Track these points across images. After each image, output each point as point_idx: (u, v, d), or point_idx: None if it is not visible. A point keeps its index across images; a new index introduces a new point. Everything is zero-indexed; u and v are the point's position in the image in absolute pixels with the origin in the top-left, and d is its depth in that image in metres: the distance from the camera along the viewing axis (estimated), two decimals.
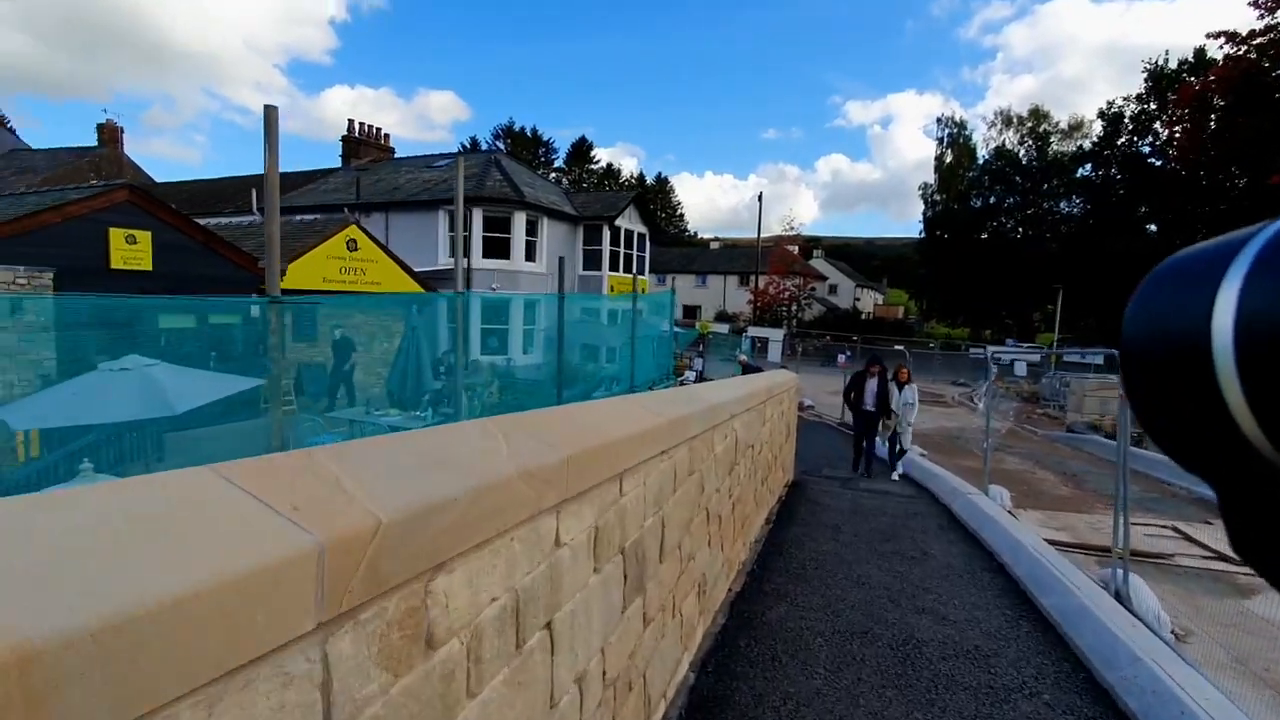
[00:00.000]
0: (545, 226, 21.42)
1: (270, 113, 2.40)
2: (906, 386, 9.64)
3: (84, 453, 7.59)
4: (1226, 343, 0.30)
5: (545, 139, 63.57)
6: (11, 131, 42.79)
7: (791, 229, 62.09)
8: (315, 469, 1.01)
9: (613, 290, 22.33)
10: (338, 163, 26.82)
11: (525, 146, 59.98)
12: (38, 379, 9.63)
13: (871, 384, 9.48)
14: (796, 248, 55.61)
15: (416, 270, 16.91)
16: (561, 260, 10.18)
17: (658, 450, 2.34)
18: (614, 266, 23.41)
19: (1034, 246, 49.69)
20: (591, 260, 23.16)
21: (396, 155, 27.26)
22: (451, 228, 20.14)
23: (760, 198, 40.21)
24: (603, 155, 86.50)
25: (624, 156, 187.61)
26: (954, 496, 7.83)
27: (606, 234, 22.94)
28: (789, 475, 8.31)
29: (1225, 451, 0.31)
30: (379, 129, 27.34)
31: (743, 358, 14.78)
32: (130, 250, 10.61)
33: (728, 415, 3.65)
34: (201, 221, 19.59)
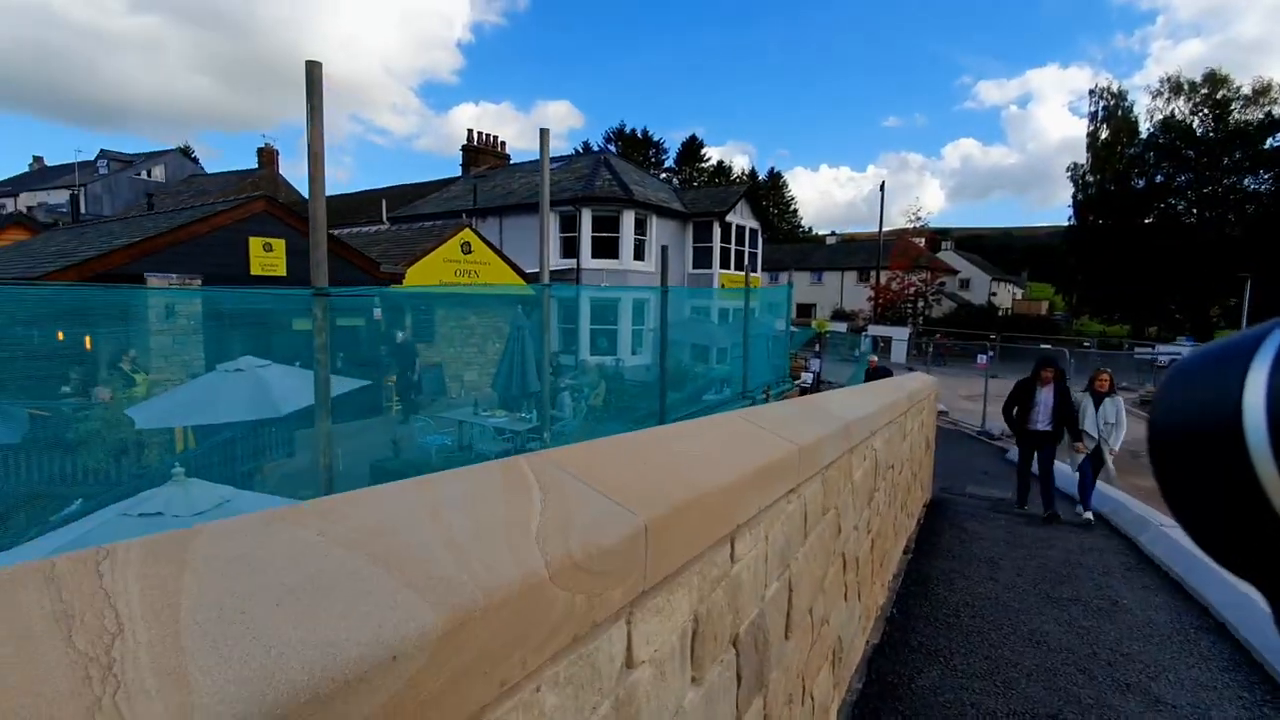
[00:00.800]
0: (654, 224, 21.04)
1: (312, 69, 2.01)
2: (1108, 399, 7.08)
3: (228, 445, 8.03)
4: (1259, 420, 0.30)
5: (655, 139, 63.61)
6: (195, 161, 48.93)
7: (917, 220, 58.03)
8: None
9: (724, 288, 21.56)
10: (459, 172, 28.02)
11: (636, 148, 60.32)
12: (189, 377, 10.41)
13: (1044, 395, 7.21)
14: (922, 240, 51.84)
15: (527, 271, 17.06)
16: (665, 250, 9.61)
17: (784, 489, 1.69)
18: (725, 264, 22.62)
19: (1211, 229, 43.09)
20: (702, 258, 22.51)
21: (512, 162, 28.07)
22: (564, 229, 20.27)
23: (882, 187, 37.66)
24: (713, 154, 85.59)
25: (735, 154, 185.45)
26: (1141, 527, 6.45)
27: (717, 230, 22.19)
28: (927, 494, 7.25)
29: (1266, 542, 0.30)
30: (495, 137, 28.26)
31: (873, 359, 13.50)
32: (267, 257, 11.29)
33: (867, 433, 2.91)
34: (337, 231, 21.00)
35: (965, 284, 56.67)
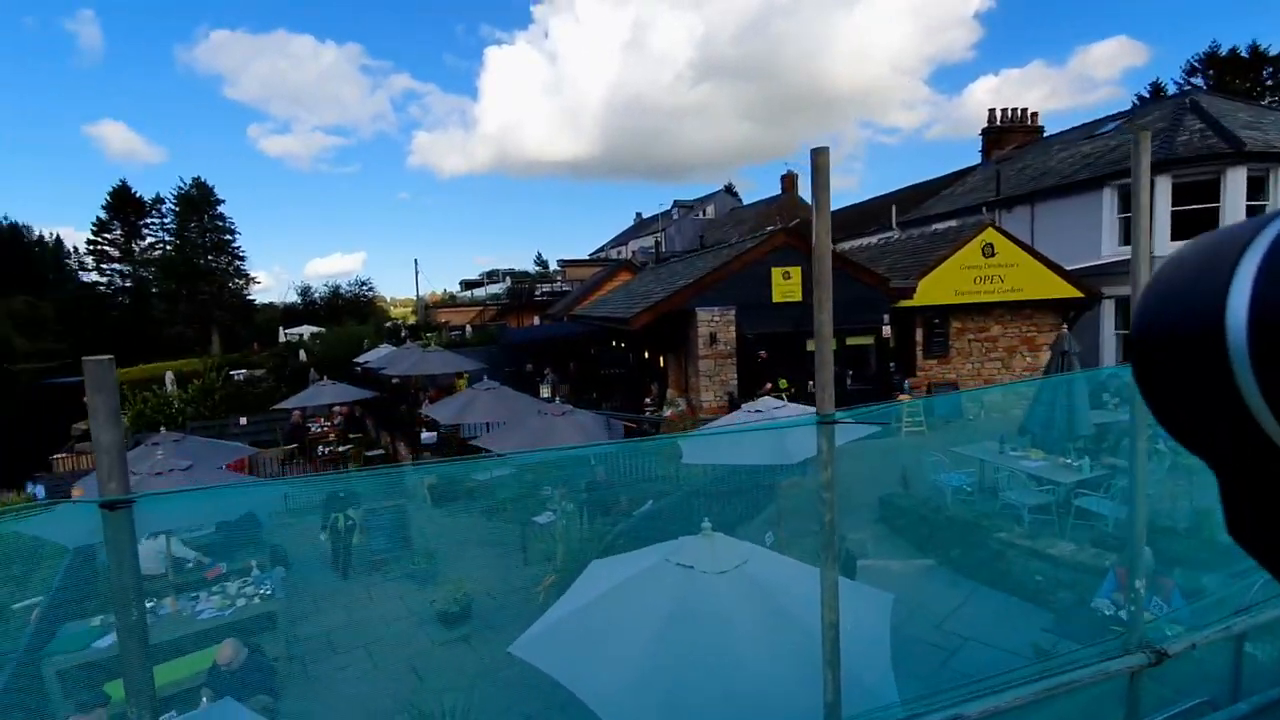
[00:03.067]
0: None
1: (818, 156, 1.66)
2: None
3: (727, 489, 8.81)
4: (1241, 332, 0.30)
5: (1274, 55, 44.31)
6: (735, 196, 58.51)
7: None
8: None
9: None
10: (978, 159, 25.24)
11: (1238, 73, 43.21)
12: (725, 395, 12.03)
13: None
14: None
15: (1069, 269, 13.93)
16: None
17: None
18: None
19: None
20: None
21: (1045, 135, 23.70)
22: (1125, 207, 15.88)
23: None
24: None
25: None
26: None
27: None
28: None
29: (1235, 438, 0.31)
30: (1023, 110, 24.33)
31: None
32: (786, 285, 12.19)
33: None
34: (848, 245, 21.51)
35: None
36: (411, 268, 79.53)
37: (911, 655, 5.70)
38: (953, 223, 18.02)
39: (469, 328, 29.84)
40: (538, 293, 33.92)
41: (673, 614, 3.57)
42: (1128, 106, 26.49)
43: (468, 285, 50.03)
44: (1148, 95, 37.76)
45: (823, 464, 1.90)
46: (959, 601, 6.83)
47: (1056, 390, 8.27)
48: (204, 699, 4.99)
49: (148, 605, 6.94)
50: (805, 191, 41.31)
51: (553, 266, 55.81)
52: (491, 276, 46.76)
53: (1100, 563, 6.45)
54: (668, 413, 11.69)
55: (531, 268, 59.97)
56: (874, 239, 20.80)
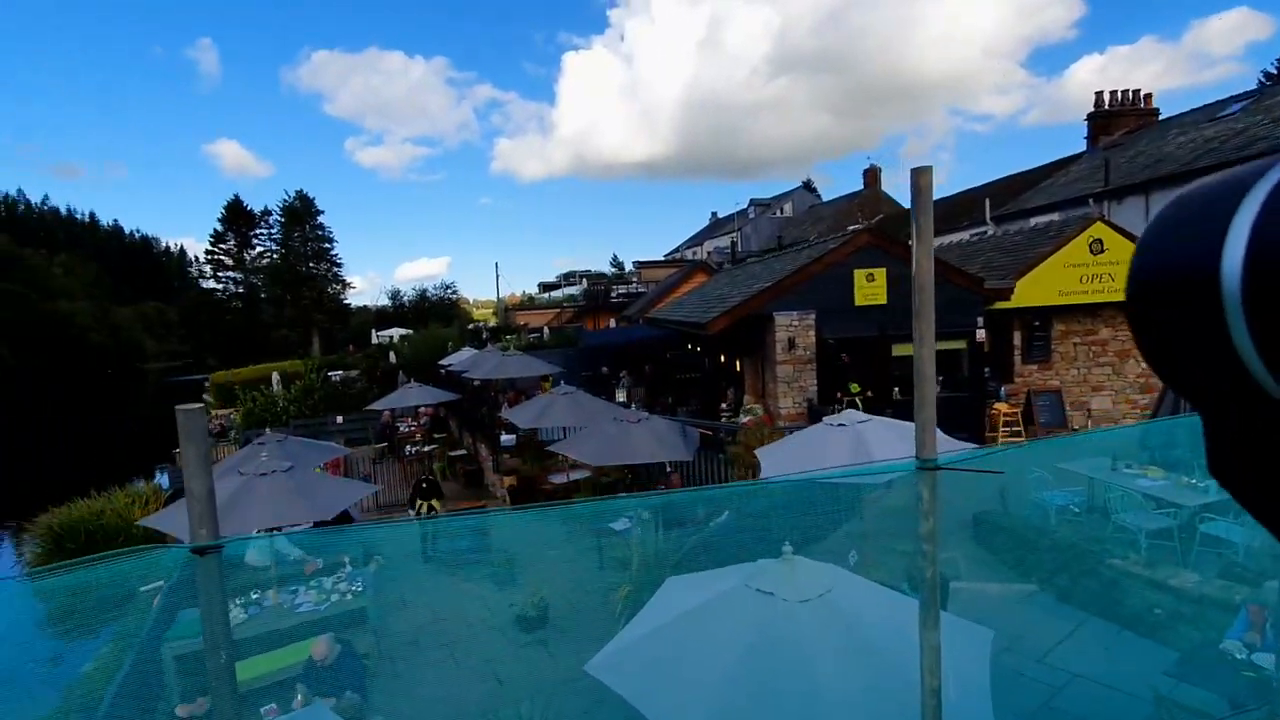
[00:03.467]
0: None
1: (919, 176, 1.50)
2: None
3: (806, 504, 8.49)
4: (1235, 280, 0.30)
5: None
6: (813, 192, 57.00)
7: None
8: None
9: None
10: (1082, 147, 23.39)
11: None
12: (804, 401, 11.68)
13: None
14: None
15: None
16: None
17: None
18: None
19: None
20: None
21: (1161, 118, 21.68)
22: None
23: None
24: None
25: None
26: None
27: None
28: None
29: (1224, 382, 0.32)
30: (1135, 91, 22.36)
31: None
32: (870, 288, 11.69)
33: None
34: (938, 241, 20.47)
35: None
36: (493, 270, 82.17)
37: (1011, 689, 5.31)
38: (1054, 216, 16.78)
39: (547, 329, 30.48)
40: (613, 294, 34.23)
41: (752, 644, 3.43)
42: (1253, 86, 23.82)
43: (546, 288, 51.18)
44: (1275, 71, 33.81)
45: (923, 514, 1.72)
46: (1065, 633, 6.30)
47: (1177, 403, 7.49)
48: (299, 693, 5.27)
49: (253, 596, 7.42)
50: (888, 186, 39.60)
51: (628, 268, 56.26)
52: (568, 278, 47.64)
53: (1230, 597, 5.79)
54: (744, 419, 11.45)
55: (607, 269, 60.70)
56: (965, 235, 19.68)
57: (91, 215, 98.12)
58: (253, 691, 5.44)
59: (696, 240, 53.85)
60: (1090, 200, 16.93)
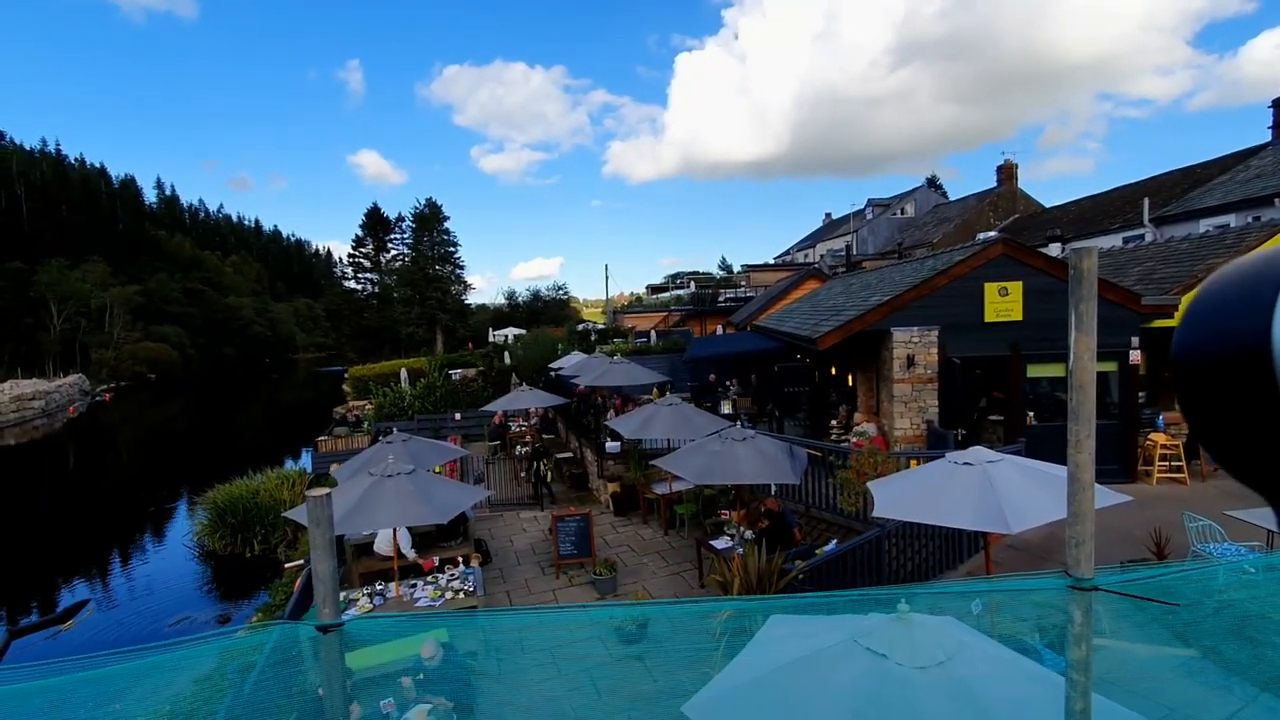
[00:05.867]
0: None
1: (1082, 260, 1.31)
2: None
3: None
4: None
5: None
6: (938, 189, 53.54)
7: None
8: None
9: None
10: (1265, 137, 20.31)
11: None
12: (923, 423, 10.99)
13: None
14: None
15: None
16: None
17: None
18: None
19: None
20: None
21: None
22: None
23: None
24: None
25: None
26: None
27: None
28: None
29: None
30: None
31: None
32: (1002, 302, 10.77)
33: None
34: (1087, 243, 18.55)
35: None
36: (602, 270, 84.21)
37: None
38: (1229, 220, 14.70)
39: (654, 333, 30.70)
40: (720, 299, 33.86)
41: (859, 710, 3.22)
42: None
43: (653, 290, 51.55)
44: None
45: (1073, 639, 1.49)
46: (1231, 710, 5.49)
47: None
48: (408, 689, 5.60)
49: (378, 587, 7.97)
50: (1026, 183, 36.36)
51: (736, 269, 55.51)
52: (675, 280, 47.69)
53: None
54: (854, 439, 10.92)
55: (715, 271, 60.27)
56: (1118, 239, 17.70)
57: (256, 221, 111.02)
58: (366, 680, 5.84)
59: (809, 242, 52.17)
60: (1276, 201, 14.67)
